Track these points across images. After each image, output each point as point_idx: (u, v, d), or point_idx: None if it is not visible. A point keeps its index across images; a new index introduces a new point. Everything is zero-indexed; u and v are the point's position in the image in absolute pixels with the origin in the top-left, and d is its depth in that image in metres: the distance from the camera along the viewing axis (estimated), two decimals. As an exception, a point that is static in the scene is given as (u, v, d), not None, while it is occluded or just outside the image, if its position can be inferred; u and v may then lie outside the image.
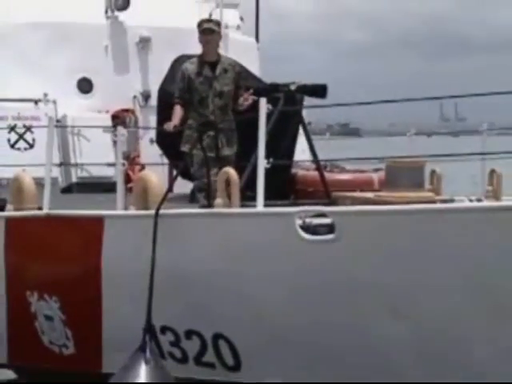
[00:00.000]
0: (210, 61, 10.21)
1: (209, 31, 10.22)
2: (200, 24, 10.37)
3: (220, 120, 10.08)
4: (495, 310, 7.52)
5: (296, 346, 8.42)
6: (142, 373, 8.57)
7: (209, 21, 10.59)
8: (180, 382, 8.87)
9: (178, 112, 10.22)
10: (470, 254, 7.45)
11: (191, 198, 11.30)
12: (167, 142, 11.59)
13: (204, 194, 9.67)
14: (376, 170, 11.99)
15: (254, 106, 9.27)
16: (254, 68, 12.80)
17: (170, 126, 10.12)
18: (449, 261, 7.55)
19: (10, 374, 9.50)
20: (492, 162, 11.01)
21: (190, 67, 10.24)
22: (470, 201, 10.43)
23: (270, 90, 9.92)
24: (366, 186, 10.88)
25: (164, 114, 11.79)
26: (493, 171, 10.86)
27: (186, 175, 10.60)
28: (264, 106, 8.58)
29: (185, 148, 10.17)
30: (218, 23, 10.53)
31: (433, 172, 11.49)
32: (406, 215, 7.89)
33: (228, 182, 8.83)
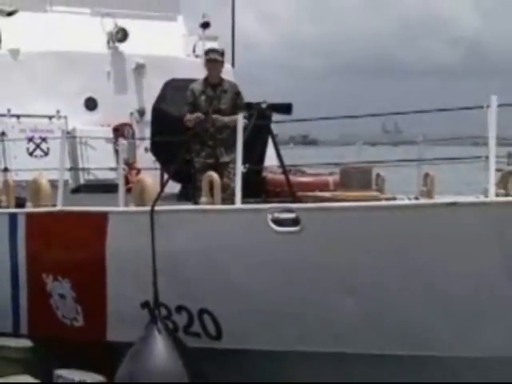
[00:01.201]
0: (213, 83, 10.10)
1: (213, 61, 10.12)
2: (207, 53, 10.27)
3: (219, 132, 9.94)
4: (426, 286, 7.56)
5: (267, 317, 8.44)
6: (158, 340, 8.68)
7: (214, 51, 10.36)
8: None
9: (190, 116, 9.95)
10: (406, 241, 7.50)
11: (179, 197, 11.33)
12: (159, 150, 11.65)
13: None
14: (331, 174, 12.09)
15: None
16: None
17: (191, 117, 9.87)
18: (390, 247, 7.59)
19: (26, 343, 9.49)
20: (426, 166, 11.09)
21: (196, 87, 10.12)
22: (409, 199, 10.53)
23: (247, 107, 9.94)
24: (324, 186, 10.89)
25: (156, 127, 11.86)
26: (427, 174, 10.94)
27: (175, 178, 10.55)
28: (241, 121, 8.68)
29: (187, 156, 9.96)
30: (222, 53, 10.38)
31: (377, 175, 11.63)
32: (356, 210, 7.97)
33: (211, 184, 8.88)
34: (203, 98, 9.99)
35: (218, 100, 10.02)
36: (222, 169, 9.84)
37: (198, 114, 9.81)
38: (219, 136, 9.93)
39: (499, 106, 7.28)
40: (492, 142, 7.30)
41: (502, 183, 8.45)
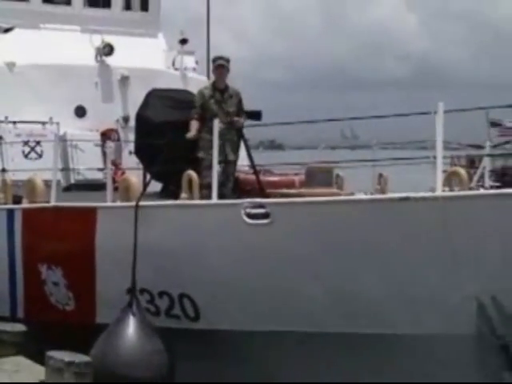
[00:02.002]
0: (220, 88, 10.06)
1: (221, 66, 10.07)
2: (215, 60, 10.20)
3: (227, 132, 9.90)
4: (383, 271, 7.60)
5: (240, 301, 8.43)
6: (131, 322, 8.62)
7: (222, 58, 10.24)
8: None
9: (194, 125, 9.99)
10: (364, 232, 7.54)
11: (161, 194, 11.31)
12: (142, 153, 11.62)
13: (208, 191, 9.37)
14: (296, 174, 12.16)
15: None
16: (207, 98, 12.88)
17: (190, 135, 9.91)
18: (349, 237, 7.62)
19: (21, 327, 9.45)
20: (379, 168, 11.18)
21: (206, 91, 10.06)
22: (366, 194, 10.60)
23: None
24: (290, 185, 10.95)
25: (139, 132, 11.82)
26: (380, 175, 11.05)
27: (157, 177, 10.51)
28: (217, 126, 8.69)
29: (200, 154, 9.96)
30: (228, 60, 10.24)
31: (337, 175, 11.72)
32: (319, 204, 8.00)
33: (190, 181, 8.91)
34: (212, 101, 9.97)
35: (226, 103, 10.02)
36: (229, 167, 9.85)
37: (194, 133, 9.80)
38: (227, 136, 9.90)
39: (445, 112, 7.37)
40: (439, 144, 7.38)
41: (447, 182, 8.56)
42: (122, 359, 8.38)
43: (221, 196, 8.85)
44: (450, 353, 7.55)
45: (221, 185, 9.43)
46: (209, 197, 8.88)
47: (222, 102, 10.00)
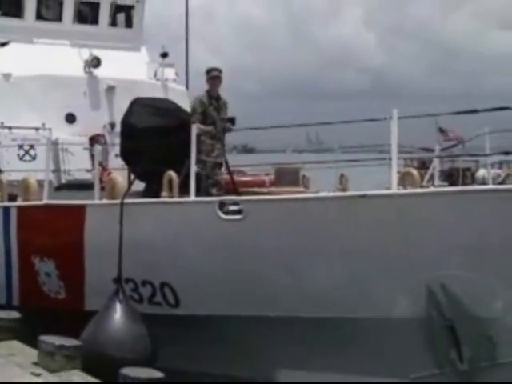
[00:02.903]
0: (214, 96, 9.95)
1: (216, 77, 9.96)
2: (209, 71, 10.03)
3: (223, 137, 9.84)
4: (343, 261, 7.60)
5: (216, 288, 8.40)
6: (118, 309, 8.61)
7: (216, 69, 10.09)
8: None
9: (199, 127, 9.60)
10: (327, 226, 7.53)
11: (143, 193, 11.25)
12: (127, 155, 11.52)
13: (216, 188, 9.49)
14: (267, 174, 12.16)
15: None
16: (186, 106, 12.78)
17: (209, 130, 9.66)
18: (314, 230, 7.60)
19: (16, 314, 9.35)
20: (341, 169, 11.20)
21: (204, 99, 9.93)
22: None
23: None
24: (261, 184, 10.97)
25: (124, 137, 11.69)
26: (342, 175, 11.07)
27: (140, 177, 10.31)
28: (195, 130, 8.66)
29: (203, 157, 9.61)
30: (221, 71, 10.10)
31: (303, 176, 11.73)
32: (287, 201, 8.04)
33: (170, 181, 8.81)
34: (211, 108, 9.87)
35: (221, 110, 9.96)
36: (227, 167, 9.73)
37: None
38: (224, 140, 9.81)
39: (399, 118, 7.39)
40: (394, 147, 7.40)
41: (401, 181, 8.57)
42: (110, 341, 8.35)
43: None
44: (403, 333, 7.57)
45: (216, 184, 9.49)
46: (219, 195, 8.94)
47: (218, 109, 9.94)
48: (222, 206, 8.24)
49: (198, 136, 9.55)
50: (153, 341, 8.49)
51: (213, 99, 9.93)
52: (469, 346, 7.43)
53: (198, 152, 9.50)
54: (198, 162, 9.52)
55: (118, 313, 8.55)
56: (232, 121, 10.03)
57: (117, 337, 8.41)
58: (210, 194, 9.24)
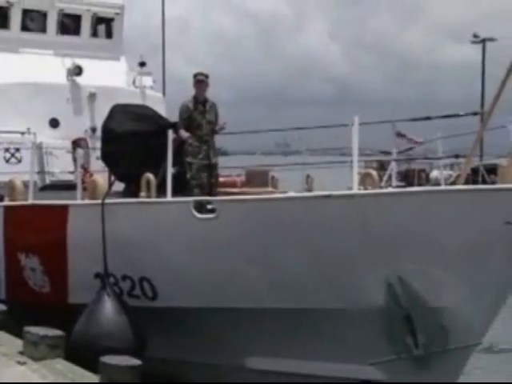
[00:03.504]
0: (200, 100, 9.75)
1: (202, 81, 9.73)
2: (196, 75, 9.78)
3: (210, 139, 9.66)
4: (309, 257, 7.58)
5: (190, 282, 8.37)
6: (107, 301, 8.61)
7: (202, 74, 9.79)
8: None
9: (184, 133, 9.55)
10: (294, 224, 7.52)
11: (123, 193, 11.17)
12: (107, 158, 11.43)
13: (199, 190, 9.34)
14: (238, 176, 12.14)
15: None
16: (163, 112, 12.75)
17: (185, 135, 9.52)
18: (281, 228, 7.59)
19: (2, 307, 9.26)
20: (308, 170, 11.22)
21: (190, 104, 9.71)
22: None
23: (175, 126, 9.81)
24: (233, 185, 10.94)
25: (105, 141, 11.59)
26: (308, 176, 11.09)
27: (120, 179, 10.28)
28: (170, 135, 8.61)
29: (189, 159, 9.57)
30: (207, 76, 9.82)
31: (272, 177, 11.74)
32: (257, 201, 8.02)
33: (148, 182, 8.80)
34: (197, 112, 9.69)
35: (208, 114, 9.76)
36: (212, 169, 9.61)
37: (188, 135, 9.50)
38: (211, 142, 9.66)
39: (360, 124, 7.44)
40: (355, 150, 7.44)
41: (362, 182, 8.63)
42: (102, 332, 8.34)
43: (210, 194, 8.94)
44: (365, 322, 7.62)
45: (209, 184, 9.41)
46: (201, 194, 8.86)
47: (204, 113, 9.76)
48: (199, 207, 8.19)
49: (184, 140, 9.58)
50: (141, 331, 8.49)
51: (199, 103, 9.75)
52: (423, 333, 7.48)
53: (185, 155, 9.57)
54: (184, 164, 9.52)
55: (107, 305, 8.53)
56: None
57: (108, 327, 8.39)
58: (193, 195, 9.17)
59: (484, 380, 8.72)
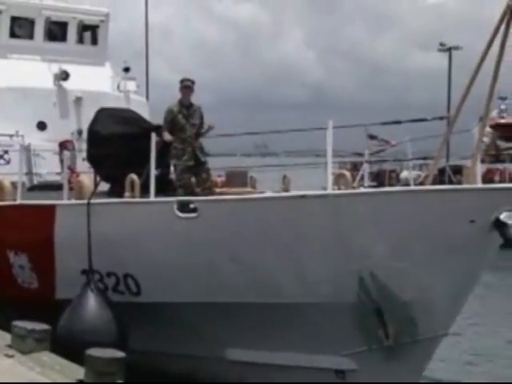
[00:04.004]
0: (185, 104, 9.60)
1: (188, 87, 9.61)
2: (182, 81, 9.64)
3: (194, 141, 9.50)
4: (283, 255, 7.56)
5: (173, 279, 8.33)
6: (90, 297, 8.57)
7: (188, 80, 9.65)
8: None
9: (167, 135, 9.41)
10: (271, 223, 7.51)
11: (108, 193, 11.09)
12: (93, 159, 11.32)
13: (182, 190, 9.20)
14: (219, 176, 12.10)
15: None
16: (146, 115, 12.67)
17: (168, 137, 9.38)
18: (259, 227, 7.59)
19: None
20: (284, 171, 11.22)
21: (174, 108, 9.56)
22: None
23: (157, 128, 9.77)
24: (214, 185, 10.84)
25: (91, 143, 11.49)
26: (284, 176, 11.10)
27: (105, 179, 10.16)
28: (154, 137, 8.55)
29: (173, 161, 9.47)
30: (193, 82, 9.69)
31: (251, 177, 11.73)
32: (236, 201, 8.02)
33: (132, 183, 8.75)
34: (180, 116, 9.55)
35: (192, 117, 9.62)
36: (200, 168, 9.49)
37: (171, 137, 9.39)
38: (196, 144, 9.53)
39: (334, 127, 7.44)
40: (329, 152, 7.45)
41: (336, 182, 8.64)
42: (86, 327, 8.28)
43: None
44: (338, 315, 7.64)
45: (195, 184, 9.32)
46: (186, 194, 8.76)
47: (188, 117, 9.61)
48: (183, 206, 8.13)
49: (169, 142, 9.50)
50: (123, 325, 8.43)
51: (184, 107, 9.64)
52: (393, 325, 7.51)
53: (170, 157, 9.49)
54: (167, 165, 9.45)
55: (90, 300, 8.49)
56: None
57: (91, 322, 8.33)
58: (177, 195, 9.07)
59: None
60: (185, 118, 9.58)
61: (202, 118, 9.75)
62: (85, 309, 8.44)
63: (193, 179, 9.47)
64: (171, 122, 9.55)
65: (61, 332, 8.19)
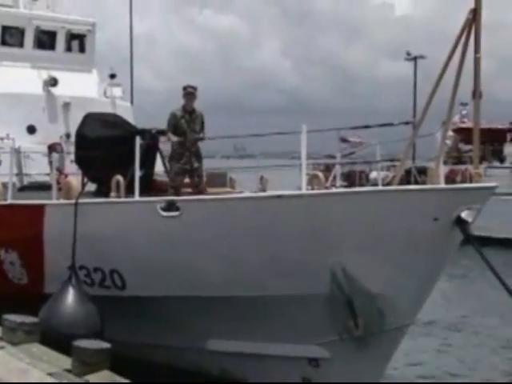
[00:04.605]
0: (188, 110, 9.49)
1: (191, 93, 9.50)
2: (185, 88, 9.45)
3: (193, 146, 9.42)
4: (260, 250, 7.54)
5: (156, 274, 8.30)
6: (70, 292, 8.50)
7: (191, 87, 9.52)
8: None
9: (172, 136, 9.32)
10: (248, 221, 7.49)
11: (95, 193, 10.99)
12: (80, 161, 11.19)
13: (173, 191, 9.08)
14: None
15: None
16: (131, 120, 12.58)
17: (174, 138, 9.30)
18: (237, 225, 7.58)
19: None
20: (262, 172, 11.18)
21: (178, 113, 9.39)
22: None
23: (142, 132, 9.70)
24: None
25: (78, 146, 11.35)
26: (261, 177, 11.07)
27: (92, 180, 10.03)
28: (138, 141, 8.48)
29: (171, 163, 9.41)
30: (195, 88, 9.52)
31: (230, 178, 11.69)
32: (215, 200, 7.97)
33: (118, 183, 8.69)
34: (183, 121, 9.45)
35: (193, 123, 9.52)
36: (194, 172, 9.40)
37: (176, 138, 9.32)
38: (193, 149, 9.45)
39: (308, 131, 7.45)
40: (303, 154, 7.45)
41: (310, 182, 8.66)
42: (64, 320, 8.21)
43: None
44: (312, 307, 7.66)
45: (197, 185, 9.31)
46: (174, 195, 8.70)
47: (190, 122, 9.51)
48: (170, 206, 8.06)
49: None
50: (100, 318, 8.36)
51: (186, 113, 9.55)
52: (363, 316, 7.54)
53: (169, 158, 9.48)
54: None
55: (70, 295, 8.42)
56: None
57: (69, 315, 8.27)
58: (169, 195, 8.94)
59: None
60: (187, 123, 9.52)
61: (202, 123, 9.72)
62: (63, 303, 8.40)
63: (187, 180, 9.39)
64: (174, 126, 9.51)
65: (41, 324, 8.11)
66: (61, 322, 8.13)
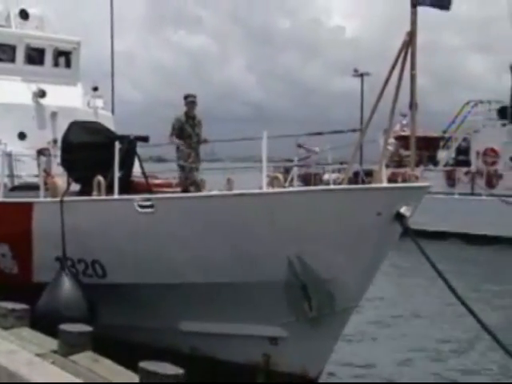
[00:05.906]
0: (191, 116, 9.58)
1: (192, 102, 9.52)
2: (187, 97, 9.54)
3: (197, 147, 9.56)
4: (226, 244, 7.47)
5: (133, 263, 8.20)
6: (65, 280, 8.46)
7: (192, 95, 9.60)
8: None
9: (177, 140, 9.43)
10: (215, 217, 7.44)
11: (79, 193, 10.78)
12: (66, 164, 10.90)
13: (194, 187, 9.17)
14: (174, 178, 11.91)
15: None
16: (112, 127, 12.39)
17: (179, 142, 9.36)
18: (205, 221, 7.50)
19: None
20: (229, 174, 11.17)
21: (182, 118, 9.48)
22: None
23: (121, 138, 9.60)
24: (169, 186, 10.77)
25: (64, 150, 11.09)
26: (228, 179, 11.03)
27: (76, 181, 9.81)
28: (117, 146, 8.41)
29: (180, 162, 9.49)
30: (195, 96, 9.59)
31: (201, 179, 11.58)
32: (185, 198, 7.96)
33: (99, 183, 8.58)
34: (188, 125, 9.51)
35: (197, 127, 9.60)
36: (195, 171, 9.48)
37: (182, 142, 9.34)
38: (195, 152, 9.50)
39: (268, 137, 7.45)
40: (264, 157, 7.45)
41: (270, 183, 8.65)
42: (61, 304, 8.16)
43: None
44: (272, 292, 7.66)
45: (192, 183, 9.37)
46: (196, 191, 8.75)
47: (194, 126, 9.60)
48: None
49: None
50: (92, 303, 8.32)
51: (189, 118, 9.59)
52: (316, 299, 7.58)
53: (177, 159, 9.52)
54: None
55: (65, 282, 8.37)
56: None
57: (66, 300, 8.19)
58: (188, 191, 9.03)
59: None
60: (191, 128, 9.58)
61: (201, 128, 9.76)
62: (60, 289, 8.32)
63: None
64: (180, 129, 9.54)
65: (41, 309, 8.02)
66: (59, 306, 8.08)
